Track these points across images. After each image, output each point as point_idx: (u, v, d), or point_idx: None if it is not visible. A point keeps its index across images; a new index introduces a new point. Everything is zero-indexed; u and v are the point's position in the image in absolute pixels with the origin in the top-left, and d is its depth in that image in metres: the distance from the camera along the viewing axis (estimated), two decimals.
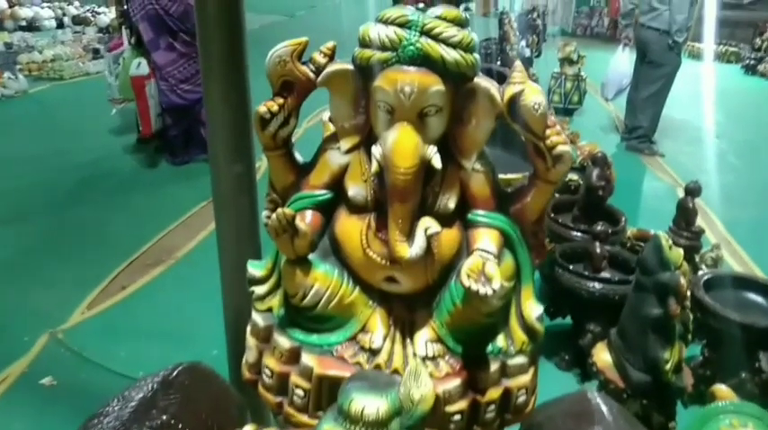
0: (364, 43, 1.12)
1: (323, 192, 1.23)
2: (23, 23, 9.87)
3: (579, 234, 2.74)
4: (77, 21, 10.24)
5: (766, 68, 8.87)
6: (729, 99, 7.39)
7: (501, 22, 6.18)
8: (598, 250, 2.46)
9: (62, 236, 3.58)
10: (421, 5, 1.12)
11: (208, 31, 1.39)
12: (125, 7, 4.48)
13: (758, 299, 2.32)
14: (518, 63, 1.16)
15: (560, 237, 2.75)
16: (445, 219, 1.18)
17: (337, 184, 1.23)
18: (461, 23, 1.11)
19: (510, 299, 1.23)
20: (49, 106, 6.32)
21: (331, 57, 1.19)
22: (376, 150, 1.13)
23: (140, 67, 4.51)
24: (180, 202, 3.97)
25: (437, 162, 1.11)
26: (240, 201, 1.52)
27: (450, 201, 1.19)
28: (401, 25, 1.09)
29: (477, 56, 1.13)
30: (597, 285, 2.35)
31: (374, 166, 1.13)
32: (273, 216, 1.11)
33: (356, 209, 1.21)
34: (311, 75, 1.18)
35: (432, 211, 1.18)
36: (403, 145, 1.09)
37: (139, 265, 3.28)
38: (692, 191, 2.70)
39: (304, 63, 1.20)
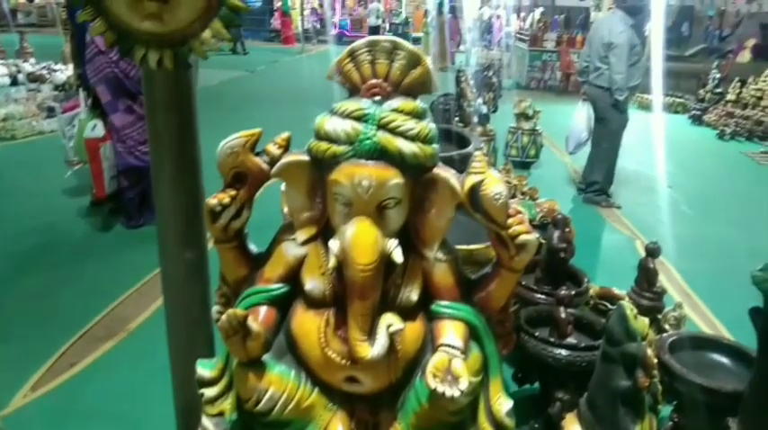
0: (320, 136, 1.09)
1: (278, 286, 1.18)
2: None
3: (543, 296, 2.72)
4: (32, 78, 10.05)
5: (711, 118, 9.25)
6: (679, 149, 7.65)
7: (458, 80, 6.31)
8: (563, 315, 2.44)
9: (4, 310, 3.38)
10: (377, 98, 1.09)
11: (157, 116, 1.35)
12: (81, 70, 4.41)
13: (724, 360, 2.31)
14: (478, 152, 1.15)
15: (524, 300, 2.73)
16: (408, 312, 1.14)
17: (293, 277, 1.18)
18: (419, 115, 1.09)
19: (478, 394, 1.18)
20: (1, 168, 6.10)
21: (285, 148, 1.15)
22: (334, 245, 1.08)
23: (95, 129, 4.42)
24: (133, 269, 3.82)
25: (398, 256, 1.08)
26: (191, 290, 1.44)
27: (412, 293, 1.15)
28: (357, 119, 1.07)
29: (436, 146, 1.11)
30: (564, 352, 2.31)
31: (332, 261, 1.08)
32: (224, 317, 1.05)
33: (314, 303, 1.15)
34: (265, 166, 1.15)
35: (394, 305, 1.13)
36: (362, 240, 1.05)
37: (90, 339, 3.11)
38: (652, 251, 2.72)
39: (257, 154, 1.16)
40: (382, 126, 1.06)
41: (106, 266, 3.98)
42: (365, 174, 1.05)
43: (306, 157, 1.12)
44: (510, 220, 1.13)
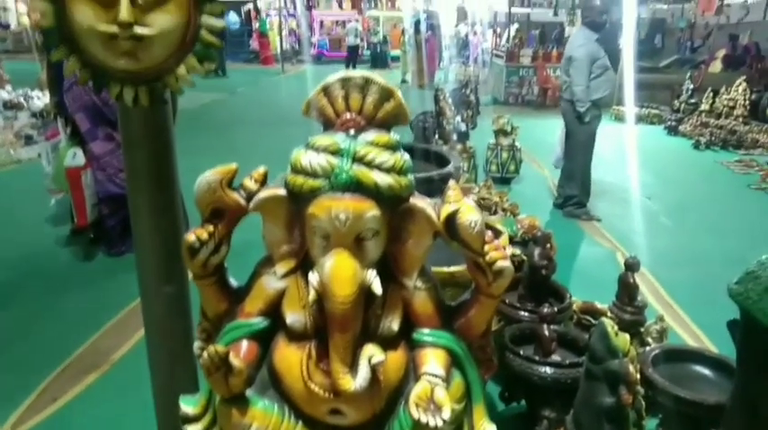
0: (296, 170, 1.10)
1: (258, 320, 1.18)
2: None
3: (526, 314, 2.74)
4: (9, 106, 9.95)
5: (686, 129, 9.42)
6: (655, 160, 7.78)
7: (436, 98, 6.37)
8: (546, 333, 2.46)
9: None
10: (352, 132, 1.11)
11: (134, 152, 1.35)
12: (58, 98, 4.38)
13: (706, 372, 2.35)
14: (452, 182, 1.17)
15: (507, 318, 2.75)
16: (389, 341, 1.14)
17: (274, 310, 1.18)
18: (393, 147, 1.11)
19: (461, 421, 1.18)
20: None
21: (262, 182, 1.16)
22: (313, 278, 1.09)
23: (76, 157, 4.38)
24: (115, 298, 3.78)
25: (377, 288, 1.08)
26: (172, 324, 1.44)
27: (393, 323, 1.16)
28: (333, 152, 1.08)
29: (411, 177, 1.13)
30: (549, 370, 2.33)
31: (312, 295, 1.09)
32: (205, 354, 1.05)
33: (295, 336, 1.16)
34: (242, 201, 1.15)
35: (375, 335, 1.14)
36: (340, 272, 1.06)
37: (73, 372, 3.07)
38: (632, 266, 2.76)
39: (234, 189, 1.16)
40: (357, 159, 1.08)
41: (88, 296, 3.93)
42: (342, 207, 1.06)
43: (283, 192, 1.13)
44: (486, 247, 1.14)
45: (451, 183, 1.17)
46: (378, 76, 1.15)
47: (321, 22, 22.93)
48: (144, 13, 1.22)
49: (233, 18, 19.57)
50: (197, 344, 1.22)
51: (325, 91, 1.12)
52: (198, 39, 1.28)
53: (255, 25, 20.48)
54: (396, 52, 20.01)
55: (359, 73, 1.14)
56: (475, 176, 5.94)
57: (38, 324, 3.56)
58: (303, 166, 1.08)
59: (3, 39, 23.56)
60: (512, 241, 3.26)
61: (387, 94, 1.12)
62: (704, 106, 10.03)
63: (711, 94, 10.10)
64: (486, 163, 6.45)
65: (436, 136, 6.42)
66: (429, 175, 3.36)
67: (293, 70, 18.76)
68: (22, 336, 3.42)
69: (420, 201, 1.13)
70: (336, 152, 1.08)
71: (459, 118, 6.43)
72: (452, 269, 2.09)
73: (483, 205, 4.37)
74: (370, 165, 1.07)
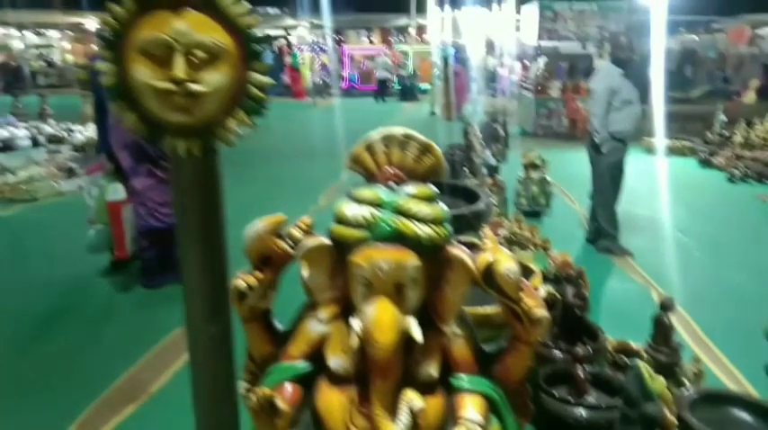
0: (340, 220, 1.15)
1: (302, 363, 1.23)
2: None
3: (560, 353, 2.73)
4: (53, 139, 10.36)
5: (720, 161, 9.30)
6: (688, 193, 7.69)
7: (465, 132, 6.45)
8: (581, 373, 2.45)
9: (25, 375, 3.42)
10: (393, 185, 1.17)
11: (185, 197, 1.43)
12: (102, 136, 4.57)
13: (746, 417, 2.30)
14: (488, 233, 1.21)
15: (541, 357, 2.73)
16: (428, 387, 1.18)
17: (317, 354, 1.23)
18: (432, 199, 1.16)
19: None
20: (22, 230, 6.25)
21: (307, 232, 1.22)
22: (355, 324, 1.13)
23: (117, 192, 4.55)
24: (152, 330, 3.88)
25: (418, 335, 1.12)
26: (217, 363, 1.49)
27: (432, 369, 1.19)
28: (375, 205, 1.14)
29: (449, 227, 1.17)
30: (584, 412, 2.31)
31: (354, 340, 1.13)
32: (253, 398, 1.10)
33: (337, 380, 1.20)
34: (288, 249, 1.21)
35: (415, 380, 1.17)
36: (382, 320, 1.11)
37: (111, 404, 3.14)
38: (668, 306, 2.74)
39: (281, 237, 1.22)
40: (399, 211, 1.13)
41: (125, 327, 4.04)
42: (384, 257, 1.11)
43: (327, 241, 1.19)
44: (523, 295, 1.18)
45: (487, 231, 1.21)
46: (417, 133, 1.22)
47: (351, 57, 23.40)
48: (197, 71, 1.31)
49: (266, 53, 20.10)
50: (243, 385, 1.27)
51: (368, 146, 1.18)
52: (246, 94, 1.37)
53: (288, 60, 21.00)
54: (425, 85, 20.28)
55: (400, 130, 1.20)
56: (505, 210, 5.95)
57: (77, 354, 3.66)
58: (347, 217, 1.14)
59: (46, 74, 24.58)
60: (544, 278, 3.26)
61: (426, 149, 1.17)
62: (738, 138, 9.91)
63: (745, 126, 9.97)
64: (516, 197, 6.45)
65: (465, 169, 6.48)
66: (461, 212, 3.41)
67: (324, 103, 19.11)
68: (62, 367, 3.52)
69: (458, 250, 1.18)
70: (379, 204, 1.13)
71: (488, 152, 6.48)
72: (486, 310, 2.11)
73: (514, 240, 4.39)
74: (410, 217, 1.12)
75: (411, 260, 1.11)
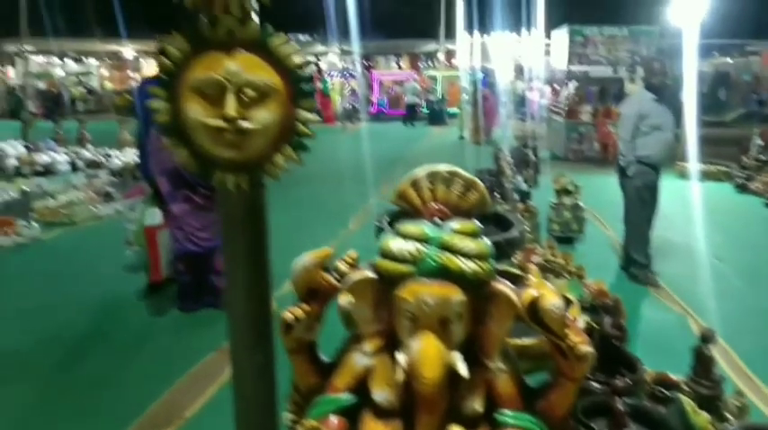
0: (386, 255, 1.18)
1: (346, 395, 1.24)
2: (40, 169, 10.29)
3: (598, 385, 2.68)
4: (90, 164, 10.68)
5: (757, 186, 9.10)
6: (725, 219, 7.53)
7: (496, 158, 6.46)
8: (620, 406, 2.40)
9: (62, 398, 3.49)
10: (438, 221, 1.19)
11: (232, 229, 1.47)
12: (143, 160, 4.70)
13: None
14: (534, 268, 1.22)
15: (579, 389, 2.69)
16: (473, 422, 1.18)
17: (361, 387, 1.24)
18: (477, 235, 1.18)
19: None
20: (61, 253, 6.42)
21: (353, 265, 1.25)
22: (401, 358, 1.15)
23: (154, 217, 4.66)
24: (188, 354, 3.93)
25: (463, 370, 1.13)
26: (260, 392, 1.52)
27: (476, 404, 1.20)
28: (420, 240, 1.16)
29: (493, 262, 1.18)
30: None
31: (400, 375, 1.15)
32: (299, 429, 1.12)
33: (382, 413, 1.21)
34: (335, 283, 1.24)
35: (460, 415, 1.18)
36: (428, 355, 1.12)
37: (146, 428, 3.18)
38: (708, 338, 2.68)
39: (327, 270, 1.25)
40: (444, 247, 1.15)
41: (161, 352, 4.09)
42: (429, 292, 1.13)
43: (373, 275, 1.21)
44: (567, 331, 1.18)
45: (533, 268, 1.22)
46: (462, 170, 1.24)
47: (380, 82, 23.68)
48: (248, 109, 1.36)
49: None
50: (287, 416, 1.29)
51: (414, 182, 1.21)
52: (294, 130, 1.41)
53: (318, 86, 21.34)
54: (454, 109, 20.39)
55: (445, 167, 1.22)
56: (538, 236, 5.91)
57: (113, 377, 3.72)
58: (393, 252, 1.16)
59: (85, 100, 25.41)
60: (580, 307, 3.23)
61: (470, 186, 1.20)
62: None
63: None
64: (548, 222, 6.41)
65: (496, 195, 6.47)
66: (495, 239, 3.41)
67: (353, 128, 19.32)
68: (97, 390, 3.57)
69: (502, 286, 1.19)
70: (424, 240, 1.16)
71: (519, 177, 6.47)
72: (525, 341, 2.10)
73: (548, 268, 4.35)
74: (455, 252, 1.14)
75: (456, 295, 1.13)
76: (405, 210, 1.23)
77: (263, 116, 1.36)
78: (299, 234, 6.55)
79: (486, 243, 1.18)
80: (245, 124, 1.35)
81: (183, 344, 4.18)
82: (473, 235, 1.17)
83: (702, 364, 2.69)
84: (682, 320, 4.52)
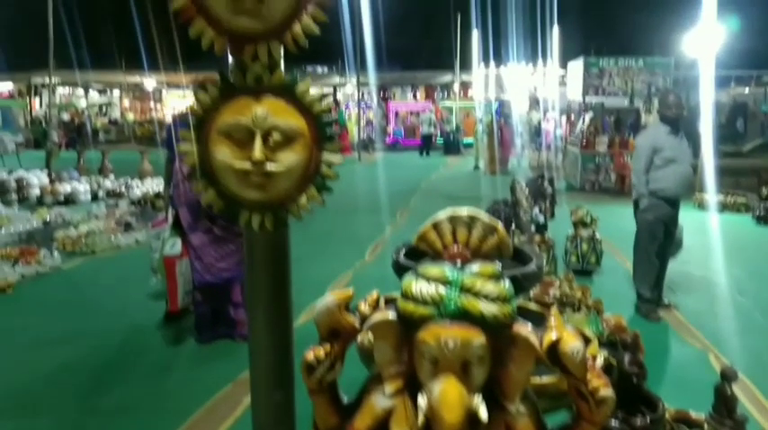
0: (407, 297, 1.20)
1: None
2: (61, 198, 10.49)
3: (617, 423, 2.65)
4: (112, 194, 10.87)
5: None
6: (745, 251, 7.45)
7: (512, 189, 6.47)
8: None
9: (81, 429, 3.51)
10: (459, 263, 1.21)
11: (257, 270, 1.50)
12: (171, 192, 4.79)
13: None
14: (554, 309, 1.23)
15: None
16: None
17: (382, 428, 1.25)
18: (497, 277, 1.20)
19: None
20: (81, 283, 6.50)
21: (375, 306, 1.27)
22: (422, 401, 1.16)
23: (174, 247, 4.71)
24: (205, 385, 3.93)
25: (483, 414, 1.14)
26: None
27: None
28: (442, 282, 1.18)
29: (514, 304, 1.20)
30: None
31: (420, 418, 1.16)
32: None
33: None
34: (357, 324, 1.26)
35: None
36: (449, 398, 1.13)
37: None
38: (729, 376, 2.65)
39: (350, 311, 1.28)
40: (465, 289, 1.17)
41: (178, 383, 4.10)
42: (451, 335, 1.14)
43: (394, 316, 1.23)
44: (588, 375, 1.18)
45: (554, 310, 1.23)
46: (482, 214, 1.27)
47: (396, 113, 23.93)
48: (274, 152, 1.41)
49: None
50: None
51: (435, 225, 1.24)
52: (318, 172, 1.45)
53: (334, 116, 21.62)
54: (469, 139, 20.52)
55: (465, 211, 1.25)
56: (554, 268, 5.88)
57: (129, 409, 3.72)
58: (414, 294, 1.18)
59: (107, 130, 25.94)
60: (598, 342, 3.20)
61: (490, 229, 1.22)
62: None
63: None
64: (565, 254, 6.38)
65: (513, 226, 6.47)
66: (512, 274, 3.42)
67: (369, 158, 19.49)
68: (113, 422, 3.58)
69: (523, 328, 1.20)
70: (445, 282, 1.18)
71: (536, 209, 6.46)
72: (543, 380, 2.10)
73: (566, 301, 4.32)
74: (476, 295, 1.16)
75: (477, 338, 1.14)
76: (422, 248, 1.25)
77: (289, 159, 1.41)
78: (317, 264, 6.59)
79: (506, 286, 1.20)
80: (271, 167, 1.39)
81: (199, 375, 4.19)
82: (494, 277, 1.19)
83: (724, 403, 2.65)
84: (702, 356, 4.45)
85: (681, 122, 5.28)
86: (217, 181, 1.46)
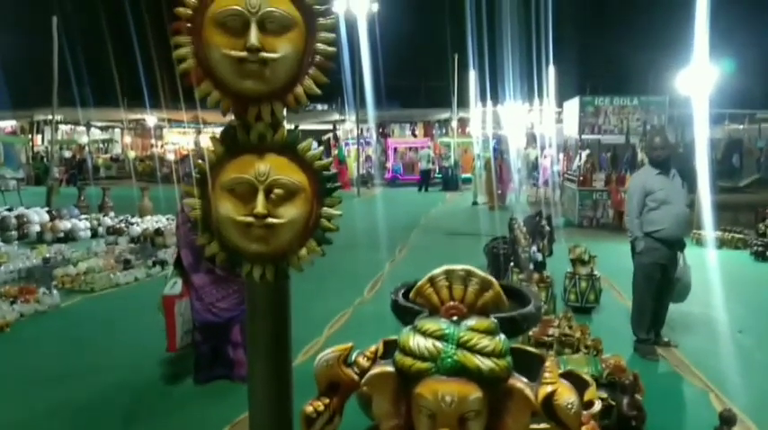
0: (405, 351, 1.23)
1: None
2: (61, 235, 10.51)
3: None
4: (111, 231, 10.89)
5: None
6: (744, 289, 7.45)
7: (511, 227, 6.52)
8: None
9: None
10: (455, 318, 1.25)
11: (256, 322, 1.54)
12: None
13: None
14: (550, 362, 1.26)
15: None
16: None
17: None
18: (493, 332, 1.23)
19: None
20: (80, 321, 6.48)
21: (373, 360, 1.30)
22: None
23: (174, 286, 4.73)
24: (202, 426, 3.91)
25: None
26: None
27: None
28: (438, 338, 1.21)
29: (509, 359, 1.23)
30: None
31: None
32: None
33: None
34: (356, 377, 1.29)
35: None
36: None
37: None
38: (728, 420, 2.65)
39: (348, 365, 1.30)
40: (461, 345, 1.20)
41: (174, 425, 4.07)
42: (448, 390, 1.17)
43: (392, 369, 1.26)
44: (583, 428, 1.21)
45: (548, 363, 1.26)
46: (478, 270, 1.31)
47: (395, 149, 24.18)
48: (276, 206, 1.46)
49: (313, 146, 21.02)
50: None
51: (432, 281, 1.28)
52: (318, 225, 1.50)
53: (334, 152, 21.83)
54: (467, 175, 20.69)
55: (461, 267, 1.29)
56: (553, 306, 5.88)
57: None
58: (411, 349, 1.22)
59: (107, 167, 26.12)
60: (597, 383, 3.20)
61: (486, 285, 1.26)
62: None
63: None
64: (564, 292, 6.39)
65: (511, 264, 6.49)
66: (511, 315, 3.43)
67: (368, 194, 19.60)
68: None
69: (518, 382, 1.23)
70: (442, 337, 1.21)
71: (534, 247, 6.49)
72: (541, 426, 2.10)
73: (565, 342, 4.32)
74: (472, 349, 1.19)
75: (474, 393, 1.17)
76: (420, 303, 1.28)
77: (290, 212, 1.46)
78: (316, 302, 6.58)
79: (502, 340, 1.23)
80: (273, 220, 1.44)
81: (196, 417, 4.16)
82: (489, 332, 1.22)
83: None
84: (703, 395, 4.43)
85: (670, 162, 5.33)
86: (219, 233, 1.50)
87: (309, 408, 1.28)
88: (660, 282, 5.20)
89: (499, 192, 15.41)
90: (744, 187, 16.22)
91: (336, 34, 1.48)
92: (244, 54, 1.35)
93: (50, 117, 15.92)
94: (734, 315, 6.35)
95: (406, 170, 23.07)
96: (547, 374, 1.23)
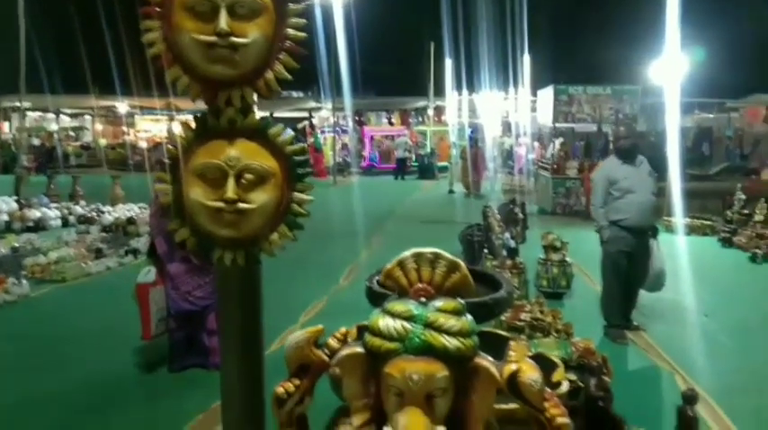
0: (374, 332, 1.26)
1: None
2: (31, 224, 10.31)
3: None
4: (83, 220, 10.72)
5: (741, 241, 9.27)
6: (710, 273, 7.64)
7: (485, 214, 6.59)
8: None
9: None
10: (423, 300, 1.28)
11: (229, 309, 1.55)
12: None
13: None
14: (514, 343, 1.30)
15: None
16: None
17: None
18: (460, 312, 1.26)
19: None
20: (50, 311, 6.39)
21: (344, 341, 1.32)
22: None
23: (148, 274, 4.70)
24: (175, 416, 3.90)
25: None
26: None
27: None
28: (407, 318, 1.24)
29: (476, 338, 1.26)
30: None
31: None
32: None
33: None
34: (326, 358, 1.31)
35: None
36: (413, 429, 1.18)
37: None
38: (690, 398, 2.74)
39: (319, 346, 1.33)
40: (428, 325, 1.23)
41: (148, 413, 4.05)
42: (414, 369, 1.20)
43: (361, 350, 1.29)
44: (546, 404, 1.25)
45: (513, 344, 1.30)
46: (446, 253, 1.33)
47: (372, 137, 24.15)
48: (246, 191, 1.47)
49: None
50: None
51: (400, 263, 1.30)
52: (289, 210, 1.51)
53: (310, 140, 21.72)
54: (443, 163, 20.78)
55: (429, 250, 1.32)
56: (526, 292, 5.97)
57: None
58: (380, 330, 1.24)
59: (78, 155, 25.59)
60: (567, 365, 3.27)
61: (453, 267, 1.29)
62: (758, 217, 9.90)
63: (766, 205, 9.98)
64: (536, 278, 6.49)
65: (485, 250, 6.57)
66: (483, 300, 3.48)
67: (344, 182, 19.57)
68: None
69: (484, 361, 1.26)
70: (410, 318, 1.24)
71: (507, 234, 6.58)
72: (510, 406, 2.15)
73: (536, 326, 4.41)
74: (439, 330, 1.22)
75: (440, 371, 1.20)
76: (388, 285, 1.31)
77: (261, 198, 1.47)
78: (291, 290, 6.58)
79: (468, 320, 1.26)
80: (243, 206, 1.45)
81: (170, 405, 4.15)
82: (456, 313, 1.25)
83: (686, 425, 2.74)
84: (670, 377, 4.56)
85: (636, 151, 5.40)
86: (190, 219, 1.51)
87: (280, 390, 1.30)
88: (627, 269, 5.30)
89: (474, 179, 15.51)
90: (713, 175, 16.55)
91: (310, 20, 1.48)
92: (213, 39, 1.36)
93: (18, 104, 15.54)
94: (701, 300, 6.52)
95: (383, 158, 23.08)
96: (511, 353, 1.27)
